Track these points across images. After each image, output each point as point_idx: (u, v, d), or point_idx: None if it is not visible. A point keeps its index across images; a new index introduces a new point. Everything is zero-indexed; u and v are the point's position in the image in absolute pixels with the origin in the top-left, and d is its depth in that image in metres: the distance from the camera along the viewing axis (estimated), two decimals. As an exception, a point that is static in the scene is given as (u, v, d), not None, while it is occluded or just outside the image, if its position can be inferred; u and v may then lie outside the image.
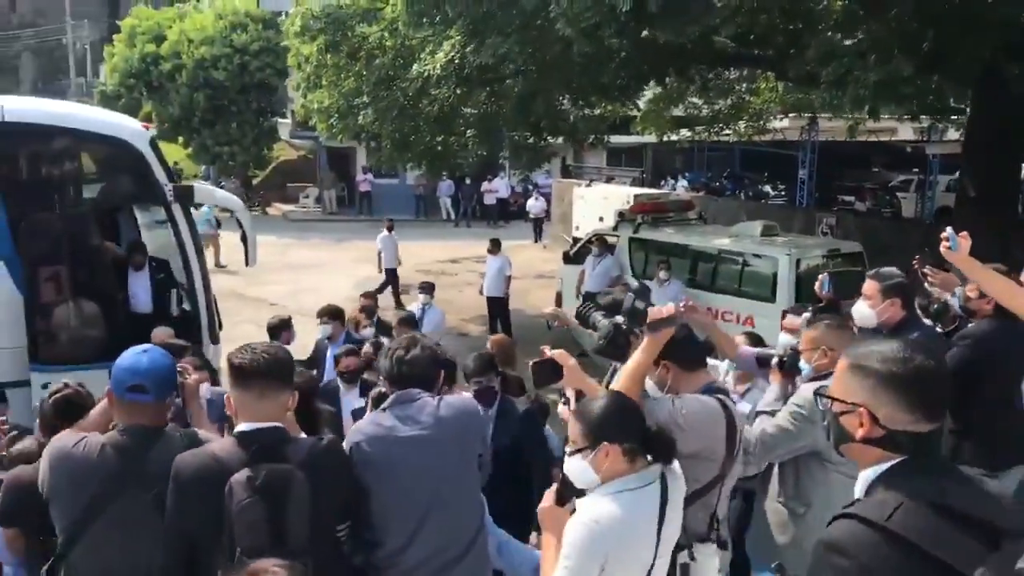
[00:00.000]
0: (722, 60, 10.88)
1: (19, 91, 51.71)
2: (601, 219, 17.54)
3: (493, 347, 6.54)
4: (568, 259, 14.68)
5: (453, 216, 29.68)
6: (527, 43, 9.55)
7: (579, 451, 2.68)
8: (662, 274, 12.06)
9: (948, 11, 7.87)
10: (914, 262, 5.48)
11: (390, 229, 17.55)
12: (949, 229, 3.94)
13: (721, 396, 3.39)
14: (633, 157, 35.11)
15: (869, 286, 4.48)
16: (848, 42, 7.83)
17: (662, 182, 33.49)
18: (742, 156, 33.87)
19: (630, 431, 2.70)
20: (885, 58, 7.43)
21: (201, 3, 30.17)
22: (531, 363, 3.28)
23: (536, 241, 24.43)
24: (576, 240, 16.15)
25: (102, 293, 8.22)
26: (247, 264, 8.88)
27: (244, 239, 8.75)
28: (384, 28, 11.54)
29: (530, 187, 30.16)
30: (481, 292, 14.85)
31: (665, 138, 21.04)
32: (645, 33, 8.89)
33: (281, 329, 8.72)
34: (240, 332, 10.18)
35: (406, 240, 25.85)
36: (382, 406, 3.33)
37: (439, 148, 13.16)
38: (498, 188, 29.87)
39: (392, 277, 17.37)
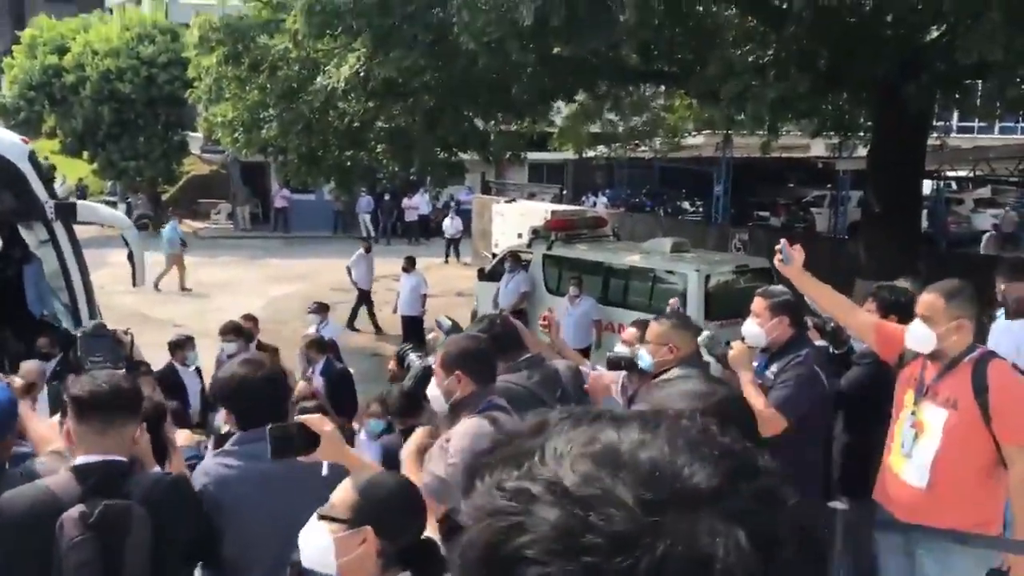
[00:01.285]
0: (627, 76, 10.83)
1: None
2: (520, 235, 17.42)
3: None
4: (483, 276, 14.52)
5: (373, 233, 29.20)
6: (432, 57, 9.35)
7: (334, 520, 2.15)
8: (572, 291, 11.98)
9: (844, 30, 7.92)
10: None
11: (367, 249, 16.67)
12: (783, 241, 3.92)
13: (495, 413, 3.19)
14: (554, 174, 35.21)
15: (758, 303, 4.39)
16: (750, 59, 7.81)
17: (582, 198, 33.63)
18: (661, 173, 34.21)
19: (401, 531, 2.20)
20: (783, 75, 7.44)
21: (107, 14, 29.15)
22: (269, 429, 2.63)
23: (447, 261, 23.73)
24: (495, 256, 15.99)
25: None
26: (134, 284, 8.44)
27: (131, 259, 8.31)
28: (287, 39, 11.21)
29: (452, 204, 29.94)
30: (395, 311, 14.57)
31: (584, 154, 21.09)
32: (556, 50, 8.78)
33: (179, 348, 8.27)
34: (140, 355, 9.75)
35: (323, 257, 25.50)
36: (229, 442, 3.06)
37: (348, 164, 12.83)
38: (419, 205, 29.56)
39: (365, 297, 16.49)
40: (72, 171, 30.93)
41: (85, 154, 28.65)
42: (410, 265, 14.34)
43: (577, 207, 22.06)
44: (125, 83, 26.58)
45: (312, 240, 27.84)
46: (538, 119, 13.89)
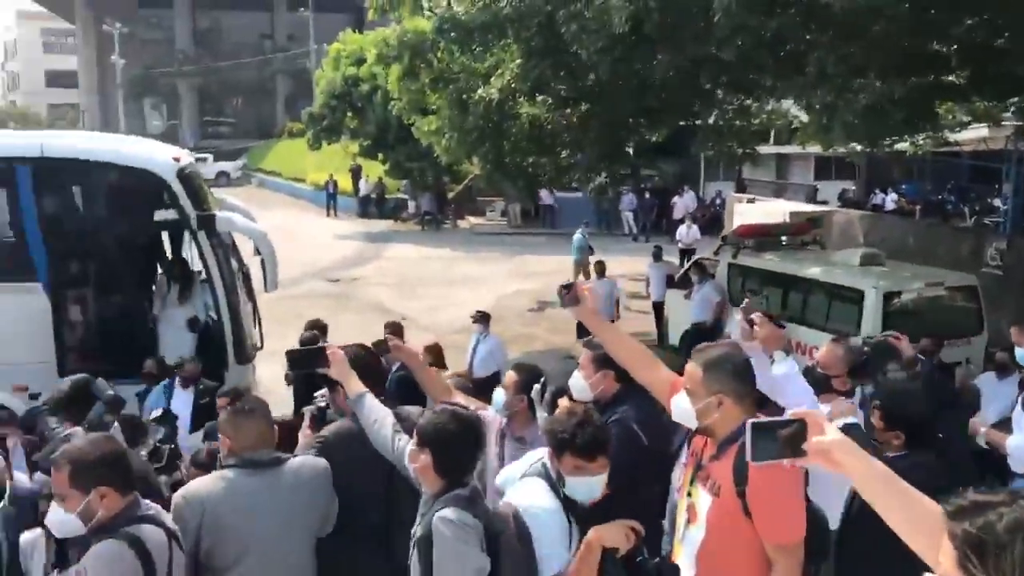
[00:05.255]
0: (738, 82, 9.89)
1: (274, 110, 57.04)
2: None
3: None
4: (673, 283, 14.06)
5: (635, 230, 29.18)
6: (559, 67, 9.26)
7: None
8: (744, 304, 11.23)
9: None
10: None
11: (657, 256, 15.37)
12: (576, 283, 3.55)
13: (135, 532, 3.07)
14: (845, 168, 32.82)
15: (584, 356, 4.08)
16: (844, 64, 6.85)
17: (871, 195, 31.10)
18: (971, 167, 30.65)
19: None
20: (882, 77, 6.45)
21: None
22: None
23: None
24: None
25: (127, 315, 8.95)
26: (266, 290, 9.24)
27: (263, 265, 9.12)
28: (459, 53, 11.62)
29: (717, 202, 29.06)
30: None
31: (837, 150, 19.52)
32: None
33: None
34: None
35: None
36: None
37: (530, 169, 13.01)
38: (687, 202, 29.01)
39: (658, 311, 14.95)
40: (370, 172, 34.09)
41: (380, 156, 31.41)
42: (600, 271, 14.22)
43: (819, 207, 20.45)
44: (410, 90, 28.78)
45: (575, 237, 28.40)
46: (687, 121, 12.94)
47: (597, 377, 4.02)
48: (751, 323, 4.56)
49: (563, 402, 4.06)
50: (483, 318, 10.71)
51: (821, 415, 2.10)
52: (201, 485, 3.45)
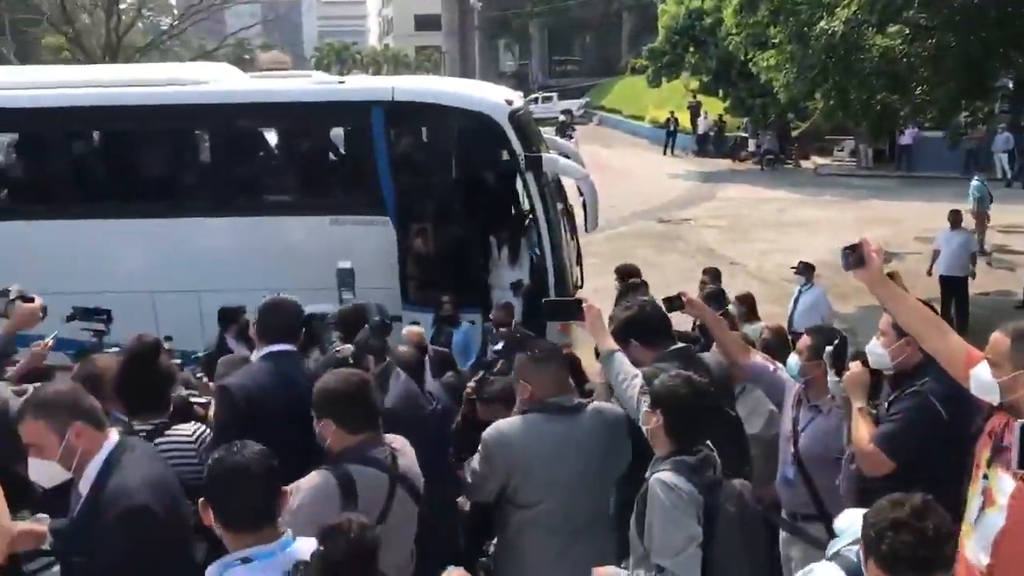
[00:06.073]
0: None
1: (618, 47, 57.53)
2: None
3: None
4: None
5: (1008, 174, 25.79)
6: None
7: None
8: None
9: None
10: None
11: None
12: (864, 239, 3.11)
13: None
14: None
15: (884, 320, 3.62)
16: None
17: None
18: None
19: None
20: None
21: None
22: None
23: None
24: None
25: (463, 252, 9.51)
26: (587, 230, 9.37)
27: (585, 206, 9.26)
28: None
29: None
30: (929, 272, 13.07)
31: None
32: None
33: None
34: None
35: (934, 201, 23.46)
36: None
37: (878, 106, 11.89)
38: (1077, 142, 25.13)
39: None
40: (713, 108, 33.26)
41: (720, 92, 30.53)
42: (957, 219, 12.76)
43: None
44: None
45: (934, 181, 25.65)
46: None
47: (899, 344, 3.59)
48: None
49: (854, 365, 3.73)
50: (806, 268, 10.14)
51: None
52: (508, 428, 3.63)
